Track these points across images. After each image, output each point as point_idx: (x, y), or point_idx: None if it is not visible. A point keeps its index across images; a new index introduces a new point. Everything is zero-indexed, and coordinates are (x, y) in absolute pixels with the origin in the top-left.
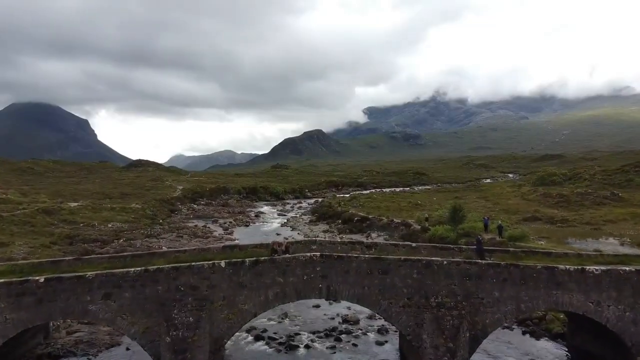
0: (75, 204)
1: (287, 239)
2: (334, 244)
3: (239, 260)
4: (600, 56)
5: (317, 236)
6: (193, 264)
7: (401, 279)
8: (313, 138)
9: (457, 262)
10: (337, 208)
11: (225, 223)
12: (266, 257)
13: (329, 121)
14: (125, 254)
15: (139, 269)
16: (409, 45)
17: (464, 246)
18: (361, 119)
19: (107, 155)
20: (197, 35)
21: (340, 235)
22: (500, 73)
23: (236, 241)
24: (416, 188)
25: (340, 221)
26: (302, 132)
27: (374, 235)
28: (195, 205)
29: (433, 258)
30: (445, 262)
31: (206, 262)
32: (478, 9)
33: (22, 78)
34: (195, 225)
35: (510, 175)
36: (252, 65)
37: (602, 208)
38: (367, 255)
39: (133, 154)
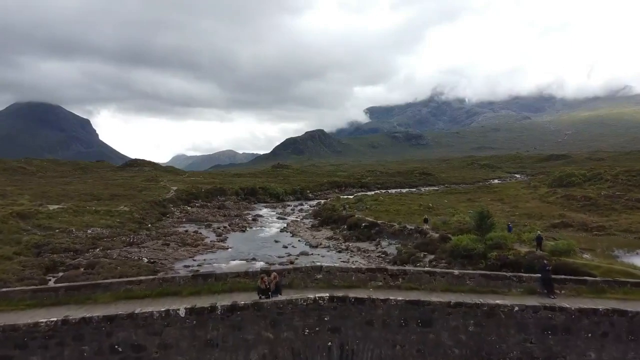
0: (56, 206)
1: (287, 262)
2: (347, 272)
3: (206, 306)
4: (600, 56)
5: (320, 244)
6: (137, 311)
7: (451, 333)
8: (315, 138)
9: (535, 308)
10: (341, 212)
11: (219, 228)
12: (248, 302)
13: (330, 121)
14: (58, 285)
15: (55, 319)
16: (408, 45)
17: (524, 274)
18: (363, 118)
19: (108, 155)
20: (196, 35)
21: (347, 244)
22: (499, 73)
23: (229, 249)
24: (423, 189)
25: (345, 226)
26: (304, 132)
27: (384, 243)
28: (189, 208)
29: (497, 302)
30: (516, 308)
31: (156, 310)
32: (476, 9)
33: (24, 78)
34: (186, 231)
35: (517, 175)
36: (252, 65)
37: (637, 212)
38: (399, 299)
39: (135, 154)
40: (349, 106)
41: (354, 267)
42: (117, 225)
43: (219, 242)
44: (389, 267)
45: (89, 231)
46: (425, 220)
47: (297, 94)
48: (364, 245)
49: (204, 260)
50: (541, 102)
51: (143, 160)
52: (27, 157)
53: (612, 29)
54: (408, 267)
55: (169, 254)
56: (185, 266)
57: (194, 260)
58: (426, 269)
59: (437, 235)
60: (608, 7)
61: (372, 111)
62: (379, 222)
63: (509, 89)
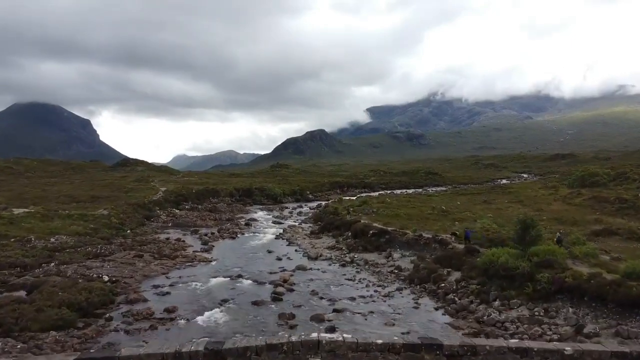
0: (22, 210)
1: (280, 280)
2: (367, 351)
3: None
4: (598, 55)
5: (321, 255)
6: None
7: None
8: (315, 138)
9: None
10: (345, 216)
11: (206, 234)
12: None
13: (331, 121)
14: None
15: None
16: (406, 45)
17: None
18: (364, 118)
19: (109, 155)
20: (195, 36)
21: (351, 255)
22: (498, 73)
23: (213, 262)
24: (430, 190)
25: (349, 234)
26: (305, 132)
27: (396, 255)
28: (177, 211)
29: None
30: None
31: None
32: (475, 10)
33: (24, 79)
34: (167, 238)
35: (525, 175)
36: (251, 65)
37: None
38: None
39: (136, 154)
40: (350, 106)
41: (379, 341)
42: (88, 233)
43: (202, 252)
44: (445, 341)
45: (52, 240)
46: (454, 235)
47: (297, 94)
48: (372, 257)
49: (180, 277)
50: (543, 102)
51: (136, 160)
52: (17, 157)
53: (609, 28)
54: (479, 341)
55: (138, 269)
56: (155, 286)
57: (168, 277)
58: (512, 342)
59: (461, 246)
60: (606, 7)
61: (373, 111)
62: (389, 229)
63: (509, 89)
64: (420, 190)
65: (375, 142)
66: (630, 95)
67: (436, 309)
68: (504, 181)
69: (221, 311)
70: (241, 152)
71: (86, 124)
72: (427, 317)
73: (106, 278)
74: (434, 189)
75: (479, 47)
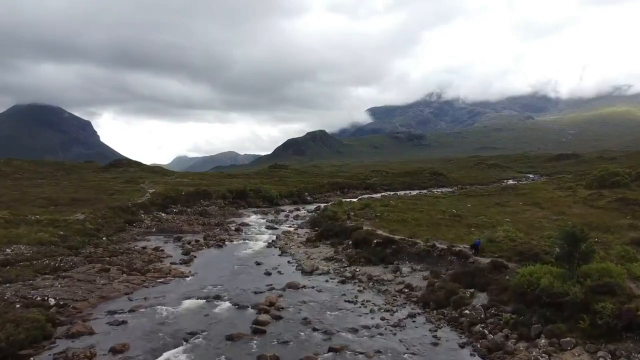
0: None
1: (266, 302)
2: None
3: None
4: (599, 56)
5: (317, 268)
6: None
7: None
8: (316, 138)
9: None
10: (345, 221)
11: (190, 242)
12: None
13: (332, 122)
14: None
15: None
16: (404, 47)
17: None
18: (364, 119)
19: (109, 157)
20: (193, 37)
21: (352, 268)
22: (495, 74)
23: (189, 278)
24: (435, 191)
25: (350, 242)
26: (305, 133)
27: (405, 269)
28: (163, 214)
29: None
30: None
31: None
32: (473, 10)
33: (24, 81)
34: (144, 247)
35: (530, 175)
36: (250, 67)
37: None
38: None
39: (137, 156)
40: (351, 107)
41: None
42: (53, 241)
43: (180, 264)
44: None
45: (8, 250)
46: (474, 247)
47: (296, 95)
48: (376, 271)
49: (145, 299)
50: (543, 102)
51: (129, 161)
52: (8, 158)
53: (605, 30)
54: None
55: (96, 289)
56: (111, 312)
57: (130, 299)
58: None
59: (486, 261)
60: (601, 8)
61: (373, 112)
62: (396, 237)
63: (506, 90)
64: (425, 191)
65: (376, 143)
66: (627, 96)
67: (461, 346)
68: (511, 182)
69: (185, 351)
70: (242, 153)
71: (86, 126)
72: (451, 358)
73: (53, 301)
74: (439, 190)
75: (476, 48)
